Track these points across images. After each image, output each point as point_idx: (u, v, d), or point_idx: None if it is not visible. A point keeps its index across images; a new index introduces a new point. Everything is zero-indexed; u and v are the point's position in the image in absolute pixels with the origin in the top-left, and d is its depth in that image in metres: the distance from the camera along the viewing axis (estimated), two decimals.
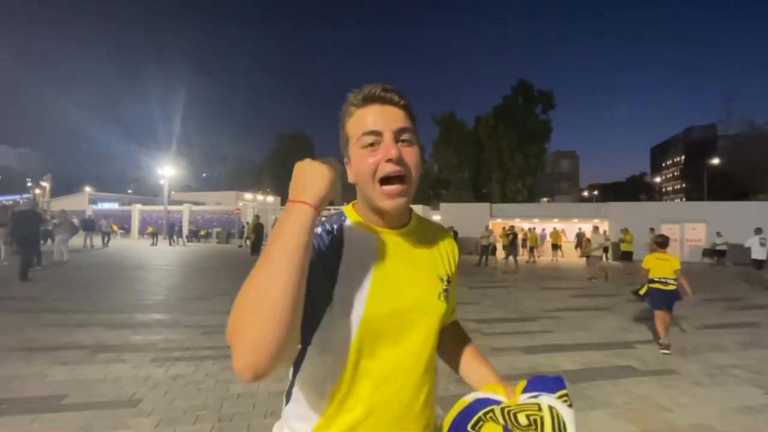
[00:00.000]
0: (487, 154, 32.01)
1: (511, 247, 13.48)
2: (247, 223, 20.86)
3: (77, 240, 15.97)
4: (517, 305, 7.11)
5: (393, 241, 0.79)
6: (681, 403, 3.17)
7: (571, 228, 22.32)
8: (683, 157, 63.83)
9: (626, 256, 12.21)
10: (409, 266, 0.79)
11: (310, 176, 0.64)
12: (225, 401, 2.96)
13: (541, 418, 0.69)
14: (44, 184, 46.75)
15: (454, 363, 0.95)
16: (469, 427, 0.75)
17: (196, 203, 28.90)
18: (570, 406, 0.71)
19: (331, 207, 0.74)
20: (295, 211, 0.60)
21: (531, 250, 16.91)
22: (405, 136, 0.73)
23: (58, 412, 2.72)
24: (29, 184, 62.74)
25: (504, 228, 15.21)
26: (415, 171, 0.74)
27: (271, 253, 0.57)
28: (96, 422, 2.60)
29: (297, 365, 0.76)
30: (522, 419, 0.70)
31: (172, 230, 21.75)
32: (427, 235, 0.86)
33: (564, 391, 0.73)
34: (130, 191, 45.29)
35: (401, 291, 0.76)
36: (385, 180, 0.72)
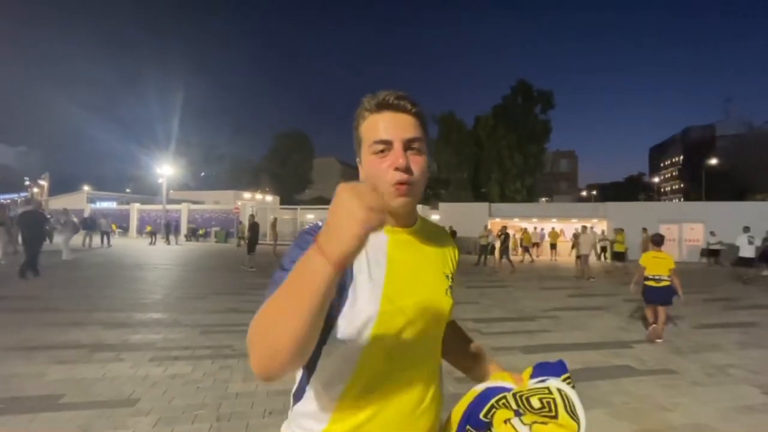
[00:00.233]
0: (486, 153, 32.03)
1: (502, 247, 13.65)
2: (242, 222, 20.78)
3: (76, 239, 15.93)
4: (516, 305, 7.12)
5: (403, 239, 0.82)
6: (679, 403, 3.18)
7: (569, 228, 22.34)
8: (681, 157, 63.93)
9: (618, 257, 12.47)
10: (419, 264, 0.83)
11: (343, 221, 0.52)
12: (223, 400, 2.96)
13: (554, 400, 0.73)
14: (42, 182, 46.67)
15: (456, 360, 0.99)
16: (481, 416, 0.77)
17: (194, 202, 28.85)
18: (573, 387, 0.76)
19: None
20: (315, 265, 0.53)
21: (526, 249, 16.97)
22: (414, 145, 0.77)
23: (56, 412, 2.71)
24: (27, 183, 62.54)
25: (488, 227, 15.29)
26: (421, 177, 0.78)
27: (286, 298, 0.55)
28: (94, 421, 2.59)
29: (309, 364, 0.77)
30: (535, 402, 0.74)
31: (168, 229, 21.71)
32: (431, 235, 0.90)
33: (567, 374, 0.79)
34: (128, 190, 45.17)
35: (413, 287, 0.79)
36: (393, 184, 0.76)
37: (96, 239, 18.26)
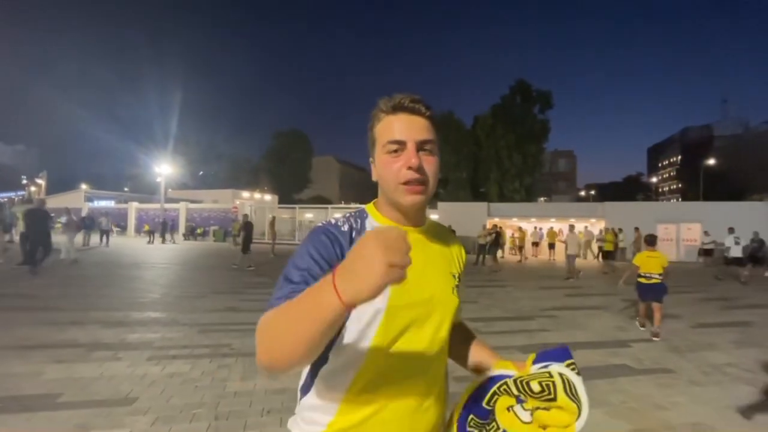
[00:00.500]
0: (484, 153, 32.00)
1: (494, 246, 13.78)
2: (235, 221, 20.63)
3: (76, 238, 15.86)
4: (515, 304, 7.13)
5: (412, 237, 0.85)
6: (676, 402, 3.19)
7: (567, 227, 22.37)
8: (679, 157, 64.09)
9: (607, 256, 12.81)
10: (427, 262, 0.85)
11: (363, 270, 0.51)
12: (221, 399, 2.95)
13: (553, 383, 0.73)
14: (40, 181, 46.48)
15: (461, 358, 0.99)
16: (484, 404, 0.78)
17: (193, 201, 28.77)
18: (578, 373, 0.76)
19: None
20: (327, 299, 0.53)
21: (520, 248, 17.02)
22: (427, 146, 0.80)
23: (54, 411, 2.70)
24: (24, 182, 62.29)
25: (487, 226, 15.37)
26: (433, 178, 0.81)
27: (295, 321, 0.56)
28: (92, 421, 2.59)
29: (318, 360, 0.78)
30: (535, 386, 0.74)
31: (165, 228, 21.63)
32: (439, 235, 0.93)
33: (571, 360, 0.78)
34: (126, 189, 45.04)
35: (421, 284, 0.80)
36: (406, 183, 0.79)
37: (94, 238, 18.21)
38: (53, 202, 24.00)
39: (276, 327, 0.58)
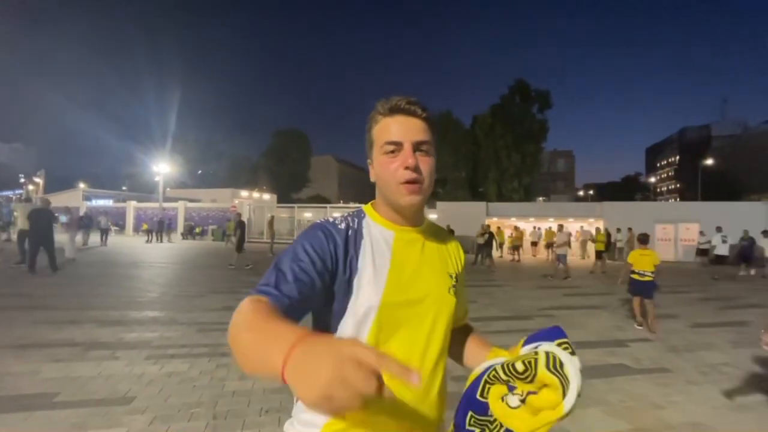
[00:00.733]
0: (483, 152, 32.03)
1: (487, 246, 13.85)
2: (229, 220, 20.51)
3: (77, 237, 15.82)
4: (513, 304, 7.14)
5: (409, 237, 0.87)
6: (674, 401, 3.20)
7: (566, 227, 22.40)
8: (678, 157, 64.26)
9: (600, 255, 13.17)
10: (423, 261, 0.86)
11: (307, 378, 0.42)
12: (220, 399, 2.95)
13: (536, 360, 0.68)
14: (37, 180, 46.35)
15: (461, 357, 0.98)
16: (478, 396, 0.76)
17: (191, 200, 28.73)
18: (572, 353, 0.69)
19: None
20: (273, 361, 0.47)
21: (515, 248, 17.04)
22: (423, 147, 0.81)
23: (51, 410, 2.70)
24: (22, 180, 62.03)
25: (482, 226, 15.40)
26: (429, 178, 0.82)
27: (251, 349, 0.53)
28: (89, 420, 2.58)
29: None
30: (519, 366, 0.69)
31: (161, 227, 21.57)
32: (437, 236, 0.94)
33: (563, 339, 0.72)
34: (124, 188, 44.94)
35: (416, 283, 0.82)
36: (403, 183, 0.80)
37: (93, 237, 18.16)
38: (51, 201, 23.93)
39: (238, 343, 0.56)
